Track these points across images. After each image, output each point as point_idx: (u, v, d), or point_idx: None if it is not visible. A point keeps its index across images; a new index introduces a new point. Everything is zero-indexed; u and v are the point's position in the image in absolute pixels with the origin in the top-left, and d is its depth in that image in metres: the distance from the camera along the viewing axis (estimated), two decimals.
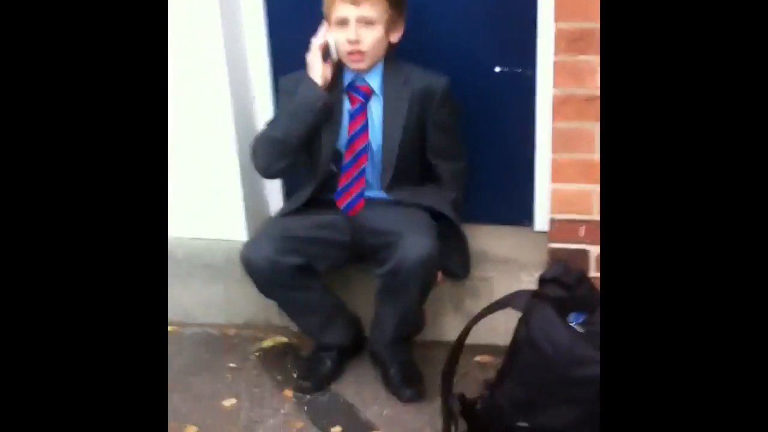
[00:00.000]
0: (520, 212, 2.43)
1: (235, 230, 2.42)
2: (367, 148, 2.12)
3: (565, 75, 1.94)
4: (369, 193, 2.17)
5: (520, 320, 1.76)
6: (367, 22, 2.00)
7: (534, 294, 1.77)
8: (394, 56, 2.12)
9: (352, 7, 1.98)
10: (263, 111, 2.45)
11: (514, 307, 1.76)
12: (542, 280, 1.84)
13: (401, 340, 2.14)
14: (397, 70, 2.11)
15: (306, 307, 2.13)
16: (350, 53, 2.03)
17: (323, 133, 2.09)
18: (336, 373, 2.19)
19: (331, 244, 2.11)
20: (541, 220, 2.37)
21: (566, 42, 1.92)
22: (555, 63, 1.95)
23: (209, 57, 2.26)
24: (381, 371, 2.15)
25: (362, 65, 2.06)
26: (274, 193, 2.57)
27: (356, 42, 2.00)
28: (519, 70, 2.27)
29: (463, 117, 2.21)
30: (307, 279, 2.07)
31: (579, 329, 1.70)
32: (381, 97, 2.11)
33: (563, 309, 1.72)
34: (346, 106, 2.12)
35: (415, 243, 1.93)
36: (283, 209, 2.25)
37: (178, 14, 2.16)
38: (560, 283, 1.78)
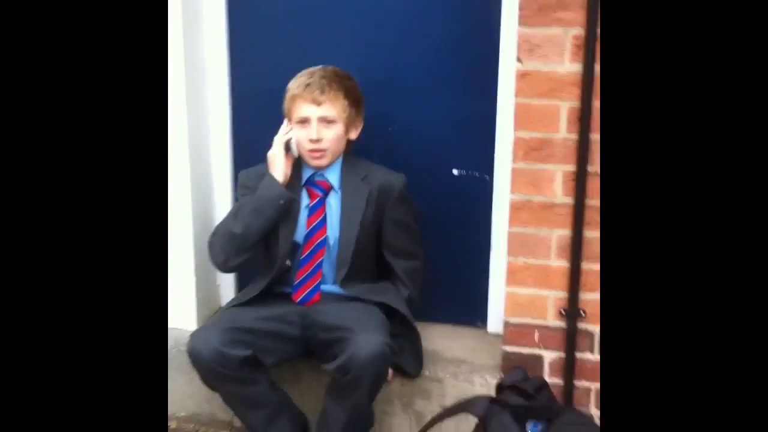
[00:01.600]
0: (473, 313, 2.43)
1: (185, 319, 2.37)
2: (325, 242, 2.13)
3: (523, 181, 1.99)
4: (324, 287, 2.16)
5: (477, 427, 1.73)
6: (328, 121, 2.05)
7: (492, 400, 1.75)
8: (352, 153, 2.16)
9: (314, 107, 2.04)
10: (222, 203, 2.45)
11: (472, 412, 1.74)
12: (500, 386, 1.83)
13: None
14: (356, 166, 2.15)
15: (251, 402, 2.06)
16: (311, 151, 2.07)
17: (281, 227, 2.10)
18: None
19: (280, 337, 2.08)
20: (495, 321, 2.37)
21: (525, 150, 1.97)
22: (513, 170, 2.00)
23: (172, 146, 2.27)
24: None
25: (323, 162, 2.09)
26: (226, 284, 2.54)
27: (318, 141, 2.04)
28: (477, 174, 2.32)
29: (421, 218, 2.24)
30: (254, 372, 2.02)
31: None
32: (339, 193, 2.13)
33: (521, 417, 1.71)
34: (305, 200, 2.13)
35: (367, 340, 1.90)
36: (233, 300, 2.22)
37: None
38: (519, 390, 1.77)
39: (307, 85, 2.04)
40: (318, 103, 2.04)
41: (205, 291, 2.45)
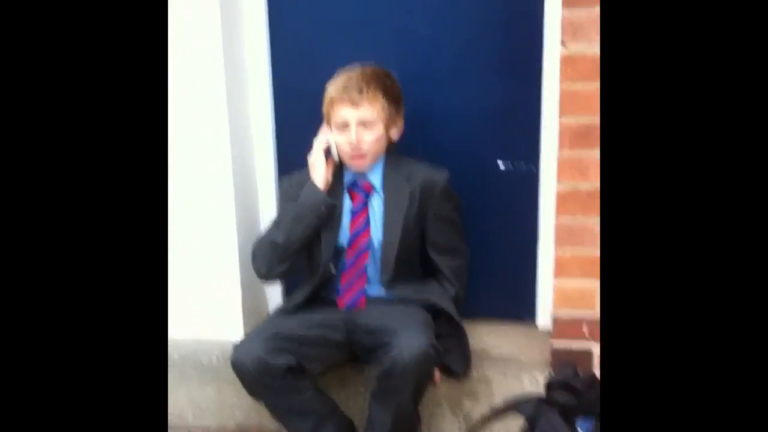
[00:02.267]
0: (522, 308, 2.37)
1: (233, 330, 2.36)
2: (369, 245, 2.09)
3: (569, 170, 1.93)
4: (369, 290, 2.12)
5: (525, 426, 1.67)
6: (367, 124, 2.01)
7: (541, 399, 1.69)
8: (395, 152, 2.12)
9: (352, 109, 2.00)
10: (267, 210, 2.43)
11: (521, 411, 1.68)
12: (550, 384, 1.76)
13: None
14: (398, 166, 2.10)
15: (296, 411, 2.02)
16: (352, 155, 2.03)
17: (323, 234, 2.06)
18: None
19: (325, 343, 2.04)
20: (544, 316, 2.31)
21: (570, 137, 1.91)
22: (559, 158, 1.93)
23: (216, 154, 2.26)
24: None
25: (363, 166, 2.06)
26: (273, 291, 2.53)
27: (357, 144, 2.01)
28: (522, 165, 2.26)
29: (466, 212, 2.19)
30: (299, 380, 1.98)
31: None
32: (382, 194, 2.09)
33: (571, 415, 1.64)
34: (347, 204, 2.10)
35: (411, 342, 1.85)
36: (278, 308, 2.20)
37: (186, 110, 2.20)
38: (569, 387, 1.70)
39: (345, 87, 2.00)
40: (356, 105, 1.99)
41: (252, 300, 2.43)
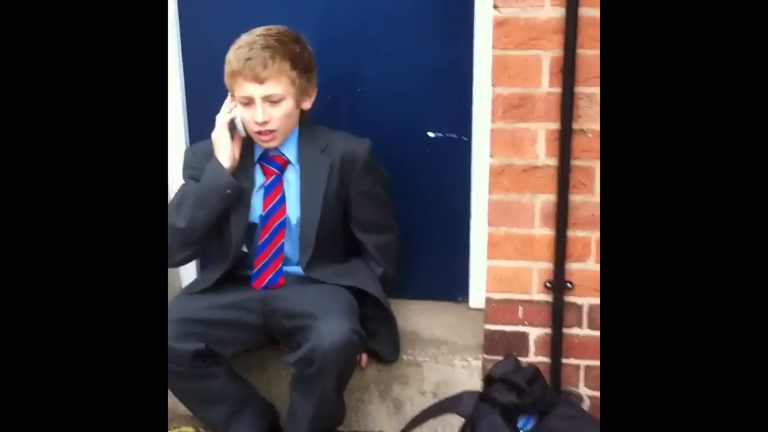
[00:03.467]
0: (454, 288, 2.26)
1: None
2: (285, 223, 1.93)
3: (503, 143, 1.79)
4: (288, 269, 1.98)
5: (464, 427, 1.56)
6: (274, 100, 1.82)
7: (480, 396, 1.58)
8: (308, 121, 1.96)
9: (257, 85, 1.80)
10: (177, 182, 2.22)
11: (458, 412, 1.57)
12: (489, 378, 1.65)
13: None
14: (314, 136, 1.94)
15: (208, 398, 1.89)
16: (259, 133, 1.85)
17: (232, 214, 1.89)
18: None
19: (239, 326, 1.90)
20: (477, 296, 2.20)
21: (504, 108, 1.77)
22: (492, 130, 1.80)
23: None
24: None
25: (273, 144, 1.89)
26: (188, 265, 2.34)
27: (264, 123, 1.83)
28: (454, 136, 2.12)
29: (393, 185, 2.05)
30: (210, 366, 1.84)
31: None
32: (297, 167, 1.92)
33: (512, 414, 1.54)
34: (259, 179, 1.93)
35: (331, 327, 1.72)
36: (185, 289, 2.02)
37: None
38: (510, 383, 1.59)
39: (248, 59, 1.78)
40: (261, 81, 1.79)
41: None
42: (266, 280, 1.95)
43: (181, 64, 2.20)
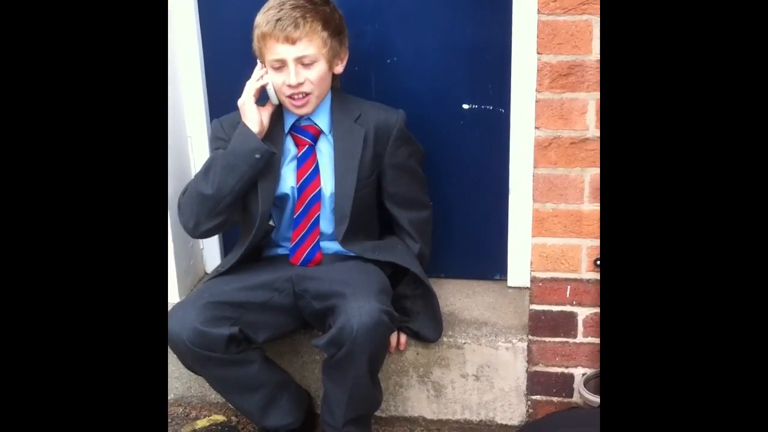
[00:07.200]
0: (492, 266, 2.17)
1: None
2: (320, 195, 1.85)
3: (550, 114, 1.70)
4: (323, 243, 1.90)
5: None
6: (307, 62, 1.74)
7: None
8: (339, 89, 1.88)
9: (288, 46, 1.72)
10: (199, 156, 2.13)
11: None
12: None
13: (356, 421, 1.82)
14: (348, 105, 1.86)
15: (243, 385, 1.81)
16: (292, 97, 1.76)
17: (260, 183, 1.80)
18: None
19: (270, 308, 1.82)
20: (516, 274, 2.12)
21: (551, 77, 1.67)
22: (537, 101, 1.70)
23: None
24: None
25: (307, 109, 1.80)
26: (210, 247, 2.26)
27: (298, 86, 1.74)
28: (490, 108, 2.03)
29: (427, 159, 1.96)
30: (244, 351, 1.77)
31: None
32: (331, 137, 1.84)
33: None
34: (292, 150, 1.84)
35: (360, 308, 1.65)
36: (214, 270, 1.94)
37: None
38: None
39: (278, 20, 1.70)
40: (293, 42, 1.71)
41: (186, 258, 2.16)
42: (304, 255, 1.88)
43: (199, 33, 2.09)
